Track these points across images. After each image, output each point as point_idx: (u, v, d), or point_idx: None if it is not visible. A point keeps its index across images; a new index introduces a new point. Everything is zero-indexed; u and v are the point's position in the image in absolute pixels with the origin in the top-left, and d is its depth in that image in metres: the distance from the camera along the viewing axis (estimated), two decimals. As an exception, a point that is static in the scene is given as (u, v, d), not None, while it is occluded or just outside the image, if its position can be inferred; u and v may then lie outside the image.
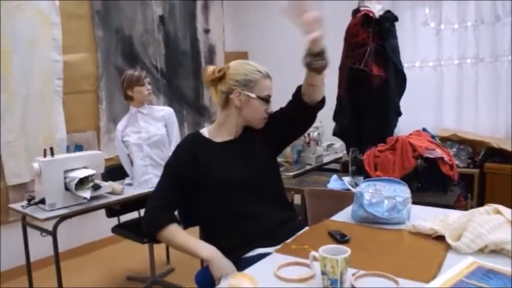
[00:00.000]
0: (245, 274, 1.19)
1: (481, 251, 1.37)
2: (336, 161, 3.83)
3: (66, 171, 2.44)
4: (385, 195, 1.67)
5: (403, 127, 3.33)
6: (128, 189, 2.79)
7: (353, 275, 1.20)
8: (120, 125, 2.90)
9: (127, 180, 2.94)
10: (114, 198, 2.64)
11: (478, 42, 3.33)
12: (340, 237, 1.52)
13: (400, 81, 3.10)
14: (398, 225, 1.65)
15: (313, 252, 1.20)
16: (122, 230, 3.05)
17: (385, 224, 1.65)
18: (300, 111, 1.69)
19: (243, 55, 4.80)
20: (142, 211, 3.25)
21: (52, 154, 2.44)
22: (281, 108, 1.76)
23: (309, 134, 3.40)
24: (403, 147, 2.58)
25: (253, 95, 1.66)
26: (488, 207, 1.51)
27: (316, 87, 1.64)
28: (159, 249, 3.32)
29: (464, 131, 3.38)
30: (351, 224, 1.70)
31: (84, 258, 3.63)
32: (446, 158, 2.53)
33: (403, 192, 1.68)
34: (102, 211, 3.07)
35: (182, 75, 4.28)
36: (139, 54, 3.90)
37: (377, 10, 3.03)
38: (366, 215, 1.67)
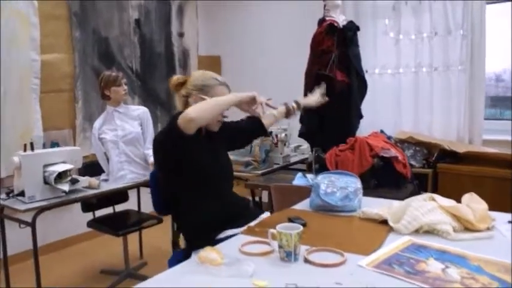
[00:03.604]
0: (213, 248, 1.38)
1: (416, 231, 1.61)
2: (302, 161, 4.05)
3: (45, 166, 2.56)
4: (338, 186, 1.89)
5: (365, 129, 3.56)
6: (104, 185, 2.92)
7: (306, 250, 1.41)
8: (97, 123, 3.03)
9: (103, 176, 3.06)
10: (91, 192, 2.77)
11: (433, 53, 3.62)
12: (297, 222, 1.72)
13: (361, 86, 3.35)
14: (350, 213, 1.87)
15: (271, 230, 1.40)
16: (97, 224, 3.17)
17: (338, 211, 1.87)
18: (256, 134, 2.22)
19: (216, 59, 4.98)
20: (117, 206, 3.39)
21: (32, 149, 2.56)
22: (240, 123, 2.14)
23: (276, 135, 3.61)
24: (361, 147, 2.82)
25: (206, 98, 1.81)
26: (425, 195, 1.75)
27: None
28: (132, 244, 3.45)
29: (420, 134, 3.66)
30: (309, 212, 1.91)
31: (59, 254, 3.71)
32: (400, 157, 2.79)
33: (354, 183, 1.91)
34: (77, 207, 3.19)
35: (156, 77, 4.43)
36: (115, 56, 4.03)
37: (341, 20, 3.28)
38: (321, 203, 1.89)
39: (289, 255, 1.34)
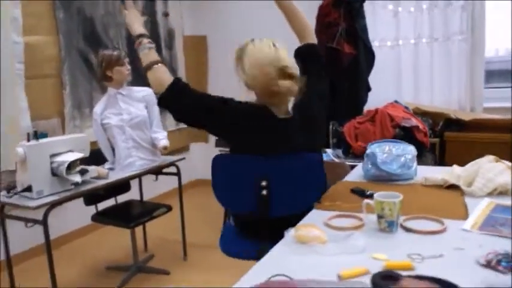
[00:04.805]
0: (311, 224, 1.25)
1: (489, 193, 1.56)
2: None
3: (52, 156, 2.32)
4: (395, 153, 1.81)
5: (368, 102, 3.51)
6: (112, 174, 2.70)
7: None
8: (98, 108, 2.78)
9: (107, 165, 2.84)
10: (101, 182, 2.55)
11: (432, 24, 3.60)
12: (365, 192, 1.63)
13: (369, 58, 3.29)
14: (408, 181, 1.80)
15: (366, 201, 1.29)
16: (103, 218, 2.94)
17: (396, 180, 1.80)
18: None
19: (202, 39, 4.77)
20: (119, 197, 3.17)
21: (36, 138, 2.31)
22: None
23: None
24: (382, 118, 2.78)
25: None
26: (490, 157, 1.70)
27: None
28: (136, 236, 3.25)
29: (422, 105, 3.66)
30: (365, 183, 1.82)
31: (59, 251, 3.41)
32: (420, 127, 2.76)
33: (411, 150, 1.83)
34: (76, 200, 2.94)
35: (144, 59, 4.16)
36: (101, 37, 3.74)
37: (346, -9, 3.19)
38: (378, 173, 1.80)
39: (391, 225, 1.24)
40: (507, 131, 3.19)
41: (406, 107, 2.98)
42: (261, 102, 1.61)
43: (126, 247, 3.21)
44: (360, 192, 1.64)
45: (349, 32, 3.17)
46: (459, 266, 1.03)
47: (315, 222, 1.37)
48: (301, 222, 1.36)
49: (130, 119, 2.77)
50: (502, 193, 1.56)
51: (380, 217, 1.25)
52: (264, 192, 1.54)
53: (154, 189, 4.14)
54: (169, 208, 3.06)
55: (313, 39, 1.84)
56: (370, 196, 1.60)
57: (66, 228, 3.59)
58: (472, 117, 3.40)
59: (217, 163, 1.65)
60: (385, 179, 1.79)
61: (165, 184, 3.92)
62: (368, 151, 1.84)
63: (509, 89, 3.56)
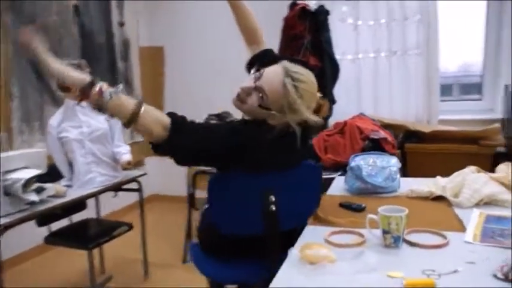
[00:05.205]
0: (316, 243, 1.18)
1: (476, 204, 1.57)
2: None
3: (4, 173, 2.09)
4: (380, 165, 1.79)
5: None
6: (69, 191, 2.49)
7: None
8: (55, 120, 2.57)
9: (64, 182, 2.62)
10: (59, 201, 2.33)
11: (391, 38, 3.71)
12: (356, 207, 1.59)
13: (333, 70, 3.31)
14: (393, 193, 1.79)
15: (370, 216, 1.24)
16: (58, 239, 2.70)
17: (381, 193, 1.78)
18: None
19: (158, 50, 4.62)
20: (74, 216, 2.93)
21: (-14, 154, 2.08)
22: None
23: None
24: (351, 130, 2.79)
25: None
26: (472, 168, 1.73)
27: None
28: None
29: (382, 117, 3.73)
30: (350, 196, 1.78)
31: (7, 275, 3.07)
32: (389, 138, 2.80)
33: (395, 162, 1.82)
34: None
35: (98, 70, 3.93)
36: (55, 46, 3.49)
37: (312, 4, 3.21)
38: (364, 186, 1.77)
39: (397, 241, 1.20)
40: (465, 142, 3.33)
41: (373, 119, 3.01)
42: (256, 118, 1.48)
43: (82, 268, 2.97)
44: (352, 206, 1.60)
45: (314, 45, 3.18)
46: (477, 281, 1.00)
47: (314, 239, 1.30)
48: (302, 241, 1.29)
49: (90, 132, 2.58)
50: (487, 203, 1.58)
51: (386, 232, 1.20)
52: (273, 207, 1.44)
53: (110, 205, 3.90)
54: (130, 226, 2.87)
55: (264, 43, 1.77)
56: (360, 210, 1.58)
57: (16, 250, 3.28)
58: (430, 129, 3.51)
59: (218, 185, 1.47)
60: (370, 192, 1.77)
61: (122, 200, 3.70)
62: (352, 164, 1.81)
63: (461, 102, 3.75)
